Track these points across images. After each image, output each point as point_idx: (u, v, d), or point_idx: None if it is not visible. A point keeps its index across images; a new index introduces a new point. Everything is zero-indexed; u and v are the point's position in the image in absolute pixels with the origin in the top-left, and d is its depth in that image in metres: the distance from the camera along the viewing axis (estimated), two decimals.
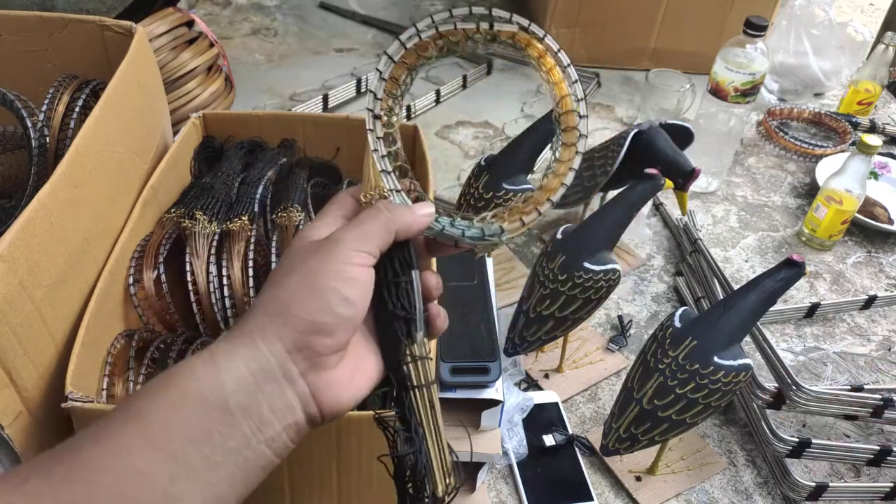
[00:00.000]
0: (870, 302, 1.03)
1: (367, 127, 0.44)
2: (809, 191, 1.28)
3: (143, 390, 0.36)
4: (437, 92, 1.39)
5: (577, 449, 0.81)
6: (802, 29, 1.47)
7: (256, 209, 0.73)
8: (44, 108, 0.69)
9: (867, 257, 1.15)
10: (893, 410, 0.78)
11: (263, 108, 1.35)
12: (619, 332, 0.96)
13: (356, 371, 0.40)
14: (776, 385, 0.79)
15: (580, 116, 0.44)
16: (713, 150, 1.20)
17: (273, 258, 0.69)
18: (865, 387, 0.82)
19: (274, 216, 0.72)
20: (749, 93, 1.11)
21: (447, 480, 0.41)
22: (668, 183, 0.83)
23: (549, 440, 0.81)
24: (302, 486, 0.56)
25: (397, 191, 0.44)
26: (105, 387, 0.60)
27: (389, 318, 0.42)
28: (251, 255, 0.68)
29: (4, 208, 0.70)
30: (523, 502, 0.76)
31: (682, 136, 0.98)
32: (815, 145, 1.34)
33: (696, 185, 1.21)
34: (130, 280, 0.65)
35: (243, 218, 0.70)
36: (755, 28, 1.07)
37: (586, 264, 0.77)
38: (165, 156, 0.74)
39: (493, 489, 0.78)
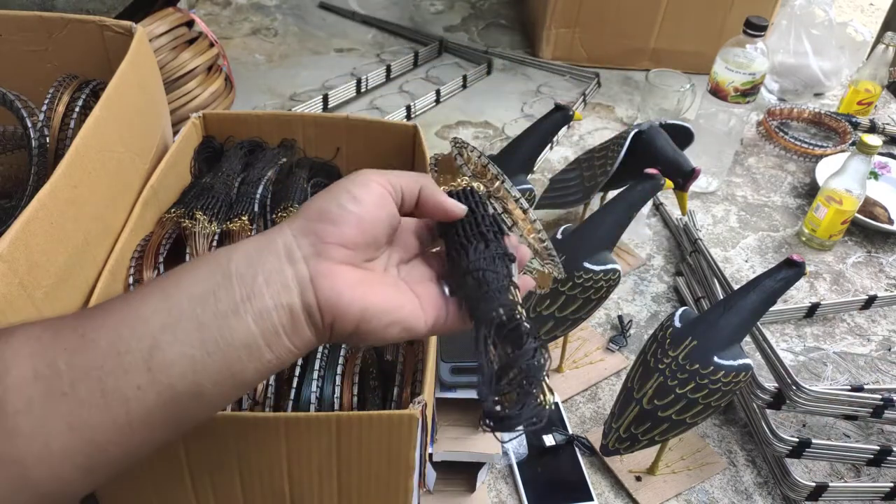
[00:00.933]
0: (870, 302, 1.03)
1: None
2: (809, 191, 1.28)
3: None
4: (437, 92, 1.39)
5: (577, 449, 0.81)
6: (802, 29, 1.47)
7: (256, 209, 0.72)
8: (44, 108, 0.69)
9: (867, 257, 1.15)
10: (893, 410, 0.78)
11: (263, 108, 1.35)
12: (619, 332, 0.96)
13: (368, 287, 0.40)
14: (776, 385, 0.79)
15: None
16: (713, 150, 1.20)
17: None
18: (865, 387, 0.82)
19: (274, 216, 0.72)
20: (749, 93, 1.11)
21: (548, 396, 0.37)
22: (668, 183, 0.83)
23: (549, 440, 0.81)
24: (302, 486, 0.56)
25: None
26: None
27: (483, 255, 0.41)
28: None
29: (4, 208, 0.70)
30: (523, 502, 0.76)
31: (682, 136, 0.98)
32: (815, 145, 1.34)
33: (696, 185, 1.21)
34: (130, 280, 0.65)
35: (243, 218, 0.70)
36: (755, 28, 1.07)
37: (586, 264, 0.77)
38: (165, 156, 0.74)
39: (493, 489, 0.78)
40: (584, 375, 0.90)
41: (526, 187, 0.91)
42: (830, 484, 0.76)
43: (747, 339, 0.75)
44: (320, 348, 0.62)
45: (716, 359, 0.68)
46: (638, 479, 0.79)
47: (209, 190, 0.74)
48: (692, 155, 0.95)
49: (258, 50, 1.53)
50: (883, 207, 1.21)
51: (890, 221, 1.19)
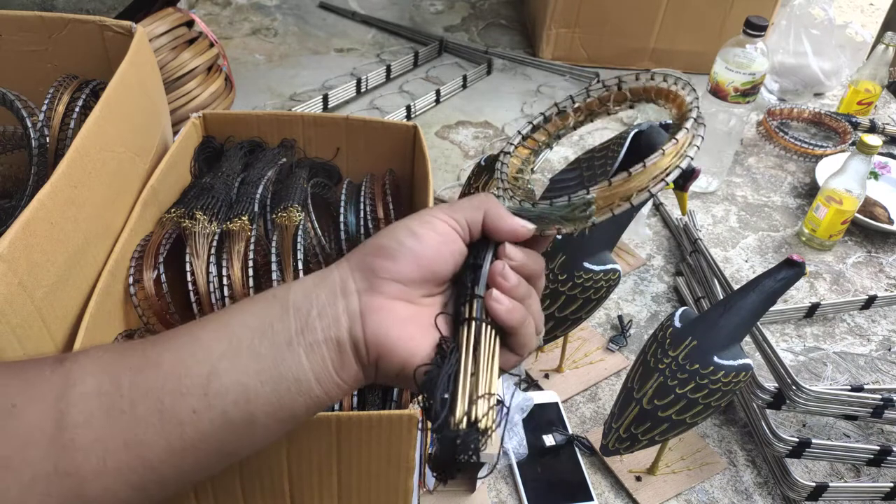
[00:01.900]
0: (870, 302, 1.03)
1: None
2: (809, 191, 1.28)
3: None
4: (437, 92, 1.39)
5: (577, 449, 0.81)
6: (802, 29, 1.47)
7: (256, 209, 0.72)
8: (44, 108, 0.68)
9: (867, 257, 1.15)
10: (893, 410, 0.78)
11: (263, 108, 1.35)
12: (619, 332, 0.96)
13: (417, 326, 0.39)
14: (776, 385, 0.79)
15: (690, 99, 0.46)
16: (713, 150, 1.20)
17: (273, 258, 0.69)
18: (865, 387, 0.82)
19: (274, 216, 0.72)
20: (749, 93, 1.11)
21: (471, 410, 0.36)
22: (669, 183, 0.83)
23: (549, 440, 0.81)
24: (302, 486, 0.56)
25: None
26: None
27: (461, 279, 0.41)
28: (251, 255, 0.68)
29: (4, 208, 0.70)
30: (523, 502, 0.76)
31: None
32: (815, 145, 1.34)
33: (696, 185, 1.21)
34: (130, 280, 0.65)
35: (243, 218, 0.70)
36: (755, 28, 1.07)
37: (586, 264, 0.77)
38: (165, 156, 0.74)
39: (493, 489, 0.78)
40: (584, 375, 0.90)
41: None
42: (830, 484, 0.76)
43: (747, 339, 0.75)
44: None
45: (716, 359, 0.68)
46: (638, 479, 0.79)
47: (209, 190, 0.74)
48: None
49: (258, 50, 1.53)
50: (883, 207, 1.21)
51: (890, 221, 1.19)
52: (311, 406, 0.37)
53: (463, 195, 0.94)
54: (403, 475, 0.56)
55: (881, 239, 1.18)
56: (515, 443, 0.79)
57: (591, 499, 0.76)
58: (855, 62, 1.53)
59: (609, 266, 0.78)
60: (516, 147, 0.49)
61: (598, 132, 1.37)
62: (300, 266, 0.69)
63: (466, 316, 0.39)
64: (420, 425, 0.53)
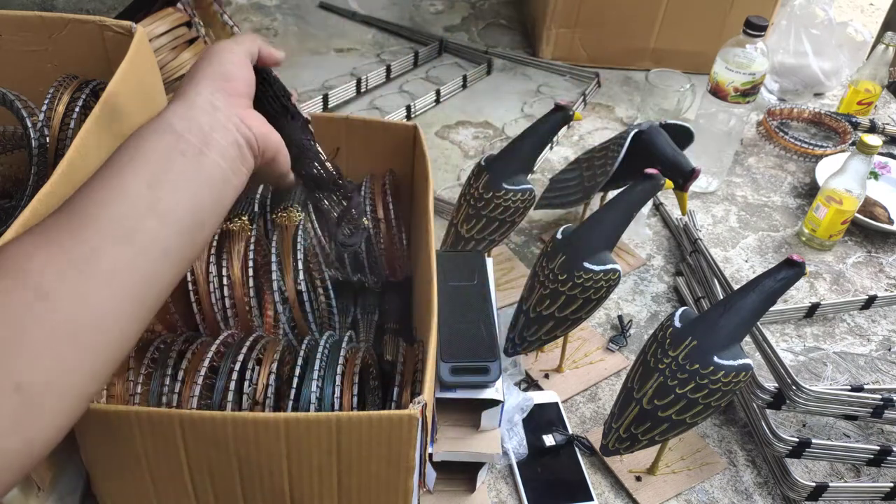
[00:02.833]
0: (870, 302, 1.03)
1: None
2: (809, 191, 1.28)
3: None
4: (437, 92, 1.39)
5: (577, 449, 0.81)
6: (802, 29, 1.47)
7: (256, 209, 0.73)
8: (44, 108, 0.68)
9: (867, 257, 1.15)
10: (893, 410, 0.78)
11: None
12: (619, 332, 0.96)
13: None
14: (776, 385, 0.79)
15: None
16: (713, 150, 1.20)
17: (273, 258, 0.69)
18: (865, 387, 0.82)
19: (274, 216, 0.72)
20: (749, 93, 1.11)
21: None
22: (668, 183, 0.83)
23: (549, 440, 0.81)
24: (302, 486, 0.56)
25: None
26: (105, 387, 0.60)
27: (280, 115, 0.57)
28: (251, 255, 0.68)
29: (4, 208, 0.70)
30: (523, 502, 0.76)
31: (682, 136, 0.98)
32: (815, 145, 1.34)
33: (696, 185, 1.21)
34: None
35: (243, 218, 0.70)
36: (755, 28, 1.07)
37: (586, 264, 0.77)
38: None
39: (493, 489, 0.78)
40: (584, 375, 0.90)
41: (526, 187, 0.91)
42: (830, 484, 0.76)
43: (747, 339, 0.75)
44: (320, 349, 0.62)
45: (716, 359, 0.68)
46: (638, 479, 0.79)
47: None
48: (692, 155, 0.95)
49: None
50: (883, 207, 1.21)
51: (890, 221, 1.19)
52: (233, 196, 0.50)
53: (463, 195, 0.94)
54: (403, 475, 0.56)
55: (881, 239, 1.18)
56: (515, 443, 0.79)
57: (591, 499, 0.76)
58: (855, 62, 1.53)
59: (609, 266, 0.78)
60: None
61: (599, 132, 1.38)
62: (300, 266, 0.69)
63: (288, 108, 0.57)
64: (420, 425, 0.53)
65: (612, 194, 0.89)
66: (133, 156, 0.45)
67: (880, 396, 0.78)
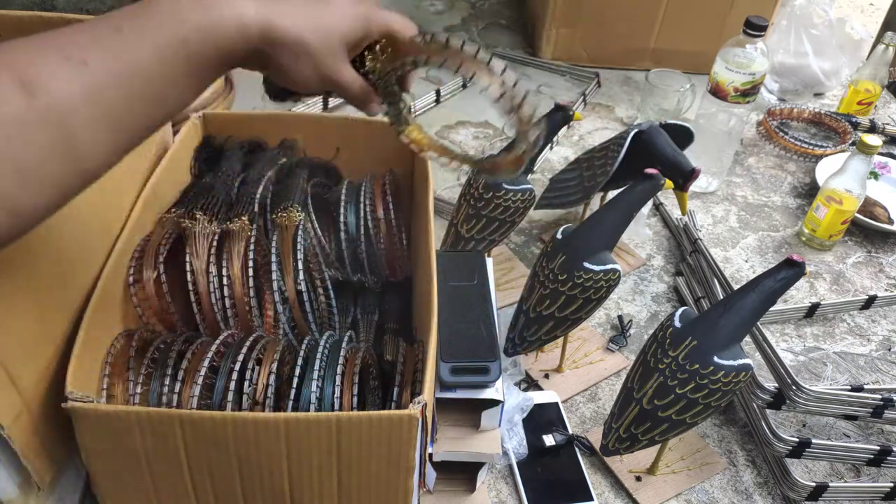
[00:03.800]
0: (870, 302, 1.03)
1: None
2: (809, 191, 1.28)
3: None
4: (437, 92, 1.39)
5: (577, 449, 0.81)
6: (802, 29, 1.47)
7: (256, 209, 0.72)
8: None
9: (867, 257, 1.15)
10: (893, 410, 0.78)
11: (263, 108, 1.34)
12: (619, 332, 0.96)
13: None
14: (776, 385, 0.79)
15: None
16: (713, 150, 1.20)
17: (273, 258, 0.69)
18: (865, 387, 0.82)
19: (274, 216, 0.72)
20: (749, 93, 1.11)
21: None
22: (668, 183, 0.83)
23: (549, 440, 0.81)
24: (302, 486, 0.56)
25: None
26: (105, 387, 0.60)
27: None
28: (251, 255, 0.68)
29: None
30: (523, 502, 0.76)
31: (682, 136, 0.98)
32: (815, 145, 1.34)
33: (696, 185, 1.21)
34: (130, 280, 0.65)
35: (243, 218, 0.70)
36: (755, 28, 1.07)
37: (586, 264, 0.77)
38: (165, 156, 0.74)
39: (493, 489, 0.78)
40: (584, 375, 0.90)
41: (526, 187, 0.91)
42: (830, 484, 0.76)
43: (747, 339, 0.75)
44: (320, 349, 0.62)
45: (716, 359, 0.68)
46: (638, 479, 0.79)
47: (209, 190, 0.74)
48: (692, 155, 0.95)
49: None
50: (883, 207, 1.21)
51: (890, 221, 1.19)
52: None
53: (463, 195, 0.94)
54: (403, 475, 0.56)
55: (881, 239, 1.18)
56: (515, 443, 0.79)
57: (591, 499, 0.76)
58: (855, 62, 1.53)
59: (609, 266, 0.78)
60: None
61: (599, 132, 1.38)
62: (300, 266, 0.69)
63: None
64: (420, 425, 0.53)
65: (612, 194, 0.89)
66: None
67: (880, 396, 0.78)
